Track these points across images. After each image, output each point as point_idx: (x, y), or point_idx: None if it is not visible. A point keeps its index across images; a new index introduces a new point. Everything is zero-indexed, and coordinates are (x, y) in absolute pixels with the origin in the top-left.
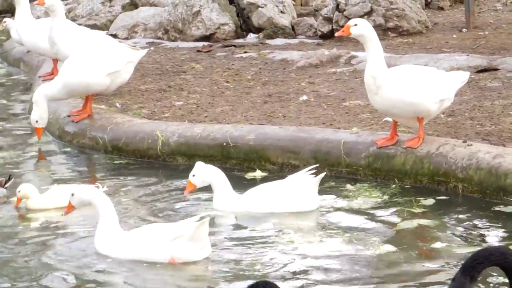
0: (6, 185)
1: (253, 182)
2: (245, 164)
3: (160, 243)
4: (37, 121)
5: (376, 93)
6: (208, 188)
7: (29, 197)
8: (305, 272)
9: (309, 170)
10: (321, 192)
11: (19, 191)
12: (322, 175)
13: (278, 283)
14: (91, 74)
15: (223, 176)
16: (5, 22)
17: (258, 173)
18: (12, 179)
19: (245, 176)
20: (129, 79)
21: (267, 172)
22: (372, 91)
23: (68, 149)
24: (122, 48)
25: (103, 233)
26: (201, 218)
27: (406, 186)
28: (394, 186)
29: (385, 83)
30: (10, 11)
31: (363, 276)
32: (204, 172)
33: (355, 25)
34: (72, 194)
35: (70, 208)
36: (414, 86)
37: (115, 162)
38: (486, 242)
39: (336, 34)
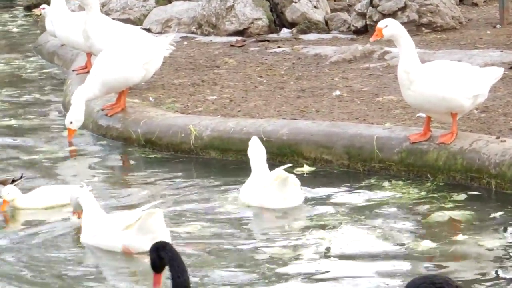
0: (15, 183)
1: (301, 177)
2: (277, 159)
3: (112, 231)
4: (71, 122)
5: (409, 88)
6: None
7: (15, 198)
8: (340, 269)
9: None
10: (355, 187)
11: (7, 194)
12: (280, 169)
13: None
14: (128, 67)
15: None
16: (43, 8)
17: (306, 168)
18: (23, 178)
19: (294, 171)
20: (163, 73)
21: (314, 167)
22: (405, 86)
23: (102, 142)
24: (151, 38)
25: (88, 225)
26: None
27: (440, 183)
28: (429, 183)
29: (418, 78)
30: (45, 3)
31: (401, 273)
32: None
33: (386, 26)
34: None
35: (74, 213)
36: (447, 81)
37: (149, 156)
38: None
39: (371, 40)
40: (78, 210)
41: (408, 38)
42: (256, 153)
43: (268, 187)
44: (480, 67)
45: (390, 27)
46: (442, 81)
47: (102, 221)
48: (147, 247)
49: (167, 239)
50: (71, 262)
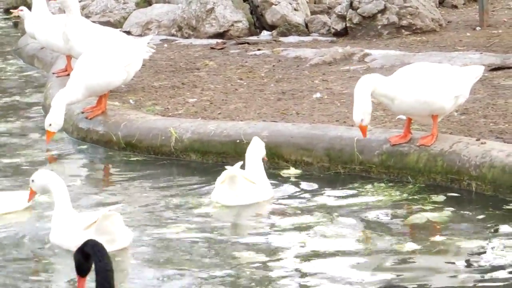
0: None
1: (288, 180)
2: None
3: (72, 231)
4: (50, 125)
5: (392, 104)
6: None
7: None
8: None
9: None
10: (335, 190)
11: None
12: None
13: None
14: (110, 71)
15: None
16: (21, 10)
17: (293, 171)
18: None
19: (281, 173)
20: (143, 76)
21: (301, 170)
22: (388, 104)
23: (83, 146)
24: (130, 40)
25: (56, 224)
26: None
27: (421, 185)
28: (411, 186)
29: (399, 95)
30: (25, 6)
31: (378, 274)
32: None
33: (362, 120)
34: (32, 180)
35: (32, 194)
36: (428, 85)
37: (129, 158)
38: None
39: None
40: (38, 193)
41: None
42: (253, 152)
43: (221, 185)
44: (460, 67)
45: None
46: (423, 85)
47: (68, 220)
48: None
49: (126, 241)
50: (35, 263)
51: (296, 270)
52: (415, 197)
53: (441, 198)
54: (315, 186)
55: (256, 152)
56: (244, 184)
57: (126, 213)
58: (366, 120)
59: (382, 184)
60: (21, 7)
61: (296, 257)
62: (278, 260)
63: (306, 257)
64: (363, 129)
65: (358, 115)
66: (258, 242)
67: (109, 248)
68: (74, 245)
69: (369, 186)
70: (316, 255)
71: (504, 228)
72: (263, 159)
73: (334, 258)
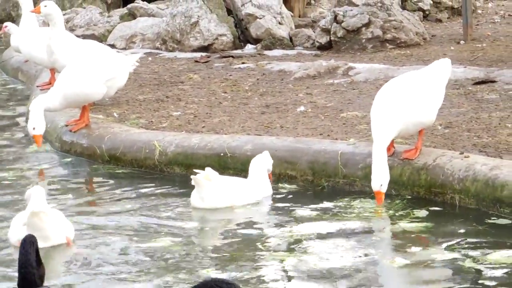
0: None
1: (280, 193)
2: (242, 175)
3: (15, 227)
4: (34, 128)
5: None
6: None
7: None
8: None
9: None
10: (318, 204)
11: None
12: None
13: None
14: (89, 84)
15: None
16: (6, 27)
17: (288, 186)
18: None
19: (278, 189)
20: (127, 89)
21: (295, 184)
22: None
23: (67, 159)
24: (116, 55)
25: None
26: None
27: (405, 199)
28: (398, 201)
29: (405, 121)
30: (9, 20)
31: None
32: None
33: (381, 185)
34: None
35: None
36: (420, 105)
37: (113, 171)
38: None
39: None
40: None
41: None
42: (257, 164)
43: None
44: (426, 68)
45: None
46: (415, 106)
47: (17, 216)
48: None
49: (60, 238)
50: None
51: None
52: (399, 210)
53: (423, 213)
54: (298, 199)
55: (260, 164)
56: (210, 187)
57: (110, 224)
58: (384, 187)
59: (365, 198)
60: (5, 24)
61: (274, 275)
62: (256, 277)
63: (286, 275)
64: (380, 195)
65: (377, 180)
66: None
67: (42, 244)
68: (16, 240)
69: (352, 200)
70: (292, 271)
71: (482, 242)
72: (268, 175)
73: (313, 275)
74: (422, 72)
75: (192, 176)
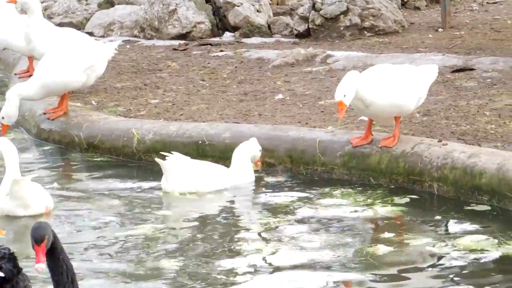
0: None
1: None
2: (220, 163)
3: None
4: (3, 118)
5: (367, 109)
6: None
7: None
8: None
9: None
10: (297, 192)
11: None
12: None
13: None
14: (68, 72)
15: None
16: None
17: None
18: None
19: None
20: (105, 77)
21: (273, 172)
22: (363, 110)
23: (45, 147)
24: (94, 43)
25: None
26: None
27: (384, 186)
28: (380, 190)
29: (374, 100)
30: None
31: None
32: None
33: (344, 96)
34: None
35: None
36: (400, 87)
37: (91, 159)
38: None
39: (340, 117)
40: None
41: (353, 75)
42: (240, 152)
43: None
44: (416, 67)
45: (347, 97)
46: (396, 88)
47: (2, 186)
48: (18, 211)
49: (41, 207)
50: None
51: (253, 281)
52: (378, 199)
53: (403, 200)
54: (276, 186)
55: (242, 151)
56: (174, 171)
57: (86, 212)
58: (348, 99)
59: (344, 186)
60: None
61: (252, 265)
62: (236, 268)
63: (265, 263)
64: (341, 105)
65: (341, 91)
66: (223, 249)
67: (22, 212)
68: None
69: (330, 188)
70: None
71: (459, 228)
72: (256, 163)
73: (293, 264)
74: (411, 66)
75: (156, 159)
